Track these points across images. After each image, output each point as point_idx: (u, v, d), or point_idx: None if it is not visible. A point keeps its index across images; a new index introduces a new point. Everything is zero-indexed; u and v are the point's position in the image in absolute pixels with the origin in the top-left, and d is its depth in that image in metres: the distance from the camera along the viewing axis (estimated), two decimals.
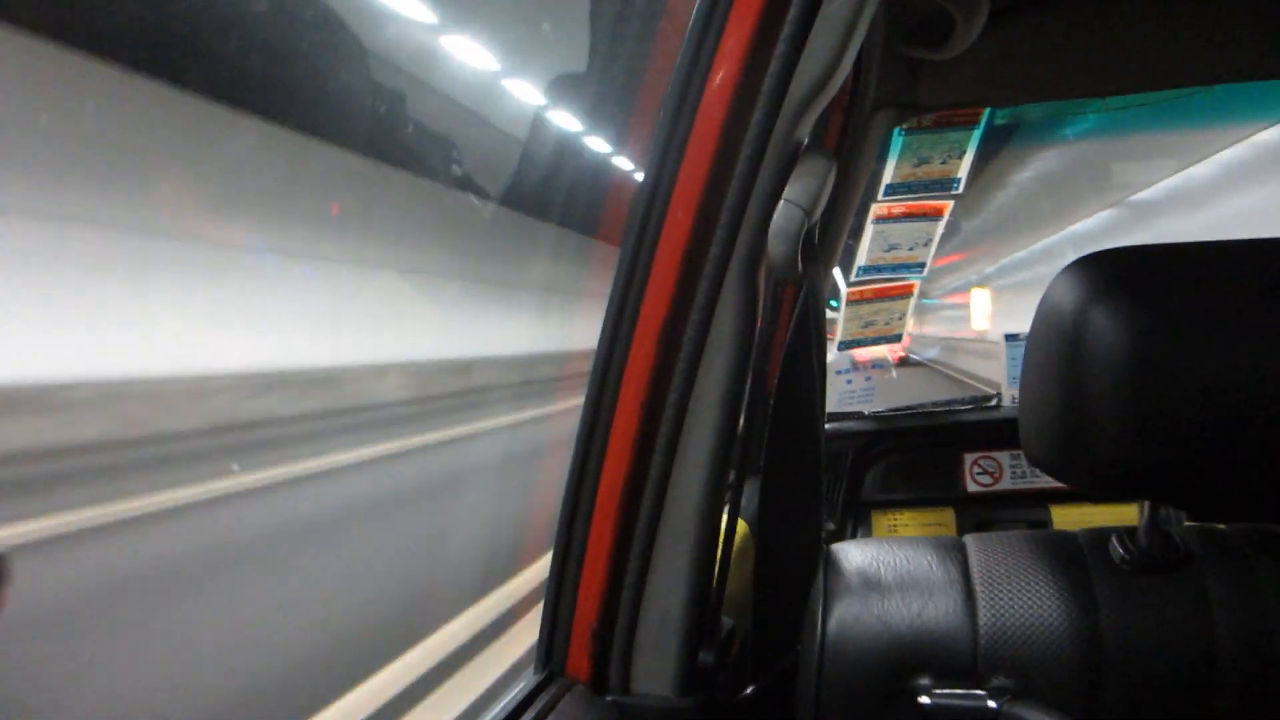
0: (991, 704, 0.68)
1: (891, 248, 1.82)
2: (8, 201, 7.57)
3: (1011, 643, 0.70)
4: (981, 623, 0.72)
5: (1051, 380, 0.69)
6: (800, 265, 0.79)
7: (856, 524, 1.77)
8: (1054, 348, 0.69)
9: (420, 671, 2.85)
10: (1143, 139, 10.19)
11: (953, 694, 0.70)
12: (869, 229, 1.79)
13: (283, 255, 12.24)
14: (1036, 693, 0.68)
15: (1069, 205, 14.23)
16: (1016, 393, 1.87)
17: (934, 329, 28.83)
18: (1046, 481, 1.73)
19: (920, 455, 1.82)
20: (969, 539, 0.80)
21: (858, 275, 1.85)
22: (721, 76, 0.77)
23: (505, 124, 16.77)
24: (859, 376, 1.93)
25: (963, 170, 1.70)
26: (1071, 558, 0.75)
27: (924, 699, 0.70)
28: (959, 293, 24.25)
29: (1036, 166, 14.97)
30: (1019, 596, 0.72)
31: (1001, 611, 0.72)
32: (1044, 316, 0.71)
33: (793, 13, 0.74)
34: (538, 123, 17.59)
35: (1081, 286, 0.68)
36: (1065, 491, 1.69)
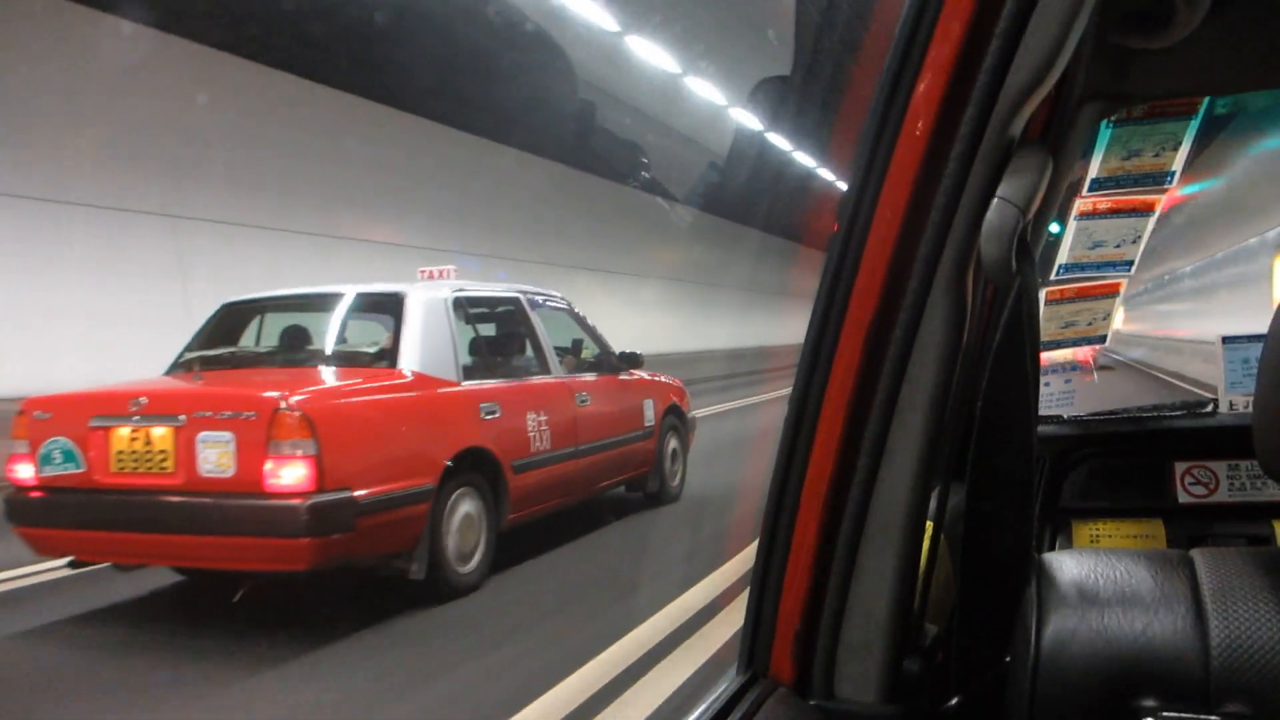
0: None
1: (1096, 245, 1.61)
2: None
3: (1249, 667, 0.59)
4: (1214, 643, 0.60)
5: None
6: (1014, 265, 0.70)
7: (1055, 533, 1.57)
8: None
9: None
10: None
11: (1182, 718, 0.60)
12: (1072, 225, 1.59)
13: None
14: None
15: None
16: (1235, 398, 1.62)
17: (1133, 326, 26.34)
18: (1269, 495, 1.49)
19: (1124, 463, 1.60)
20: (1196, 553, 0.68)
21: (1058, 274, 1.65)
22: (933, 71, 0.69)
23: (718, 139, 16.90)
24: (1057, 379, 1.71)
25: (1177, 163, 1.47)
26: None
27: None
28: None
29: (1257, 155, 13.30)
30: (1258, 617, 0.61)
31: (1238, 633, 0.60)
32: None
33: (1009, 6, 0.65)
34: (749, 133, 17.51)
35: None
36: None
